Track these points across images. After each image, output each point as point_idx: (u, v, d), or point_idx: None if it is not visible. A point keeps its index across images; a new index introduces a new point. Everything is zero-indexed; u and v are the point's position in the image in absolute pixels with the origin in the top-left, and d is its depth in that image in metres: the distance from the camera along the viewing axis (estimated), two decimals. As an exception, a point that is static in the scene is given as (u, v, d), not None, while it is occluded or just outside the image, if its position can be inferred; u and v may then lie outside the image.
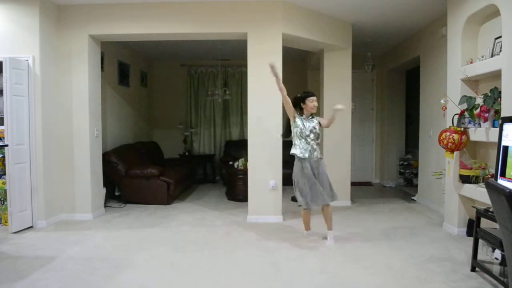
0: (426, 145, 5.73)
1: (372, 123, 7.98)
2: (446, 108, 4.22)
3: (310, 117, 3.95)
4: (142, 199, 5.73)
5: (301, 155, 3.85)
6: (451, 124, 4.04)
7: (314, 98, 3.94)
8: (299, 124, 3.88)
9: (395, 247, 3.76)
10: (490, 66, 3.55)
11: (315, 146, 3.88)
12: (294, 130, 3.92)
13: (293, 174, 3.94)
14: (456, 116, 3.98)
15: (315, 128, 3.89)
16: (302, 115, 3.94)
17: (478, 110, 3.64)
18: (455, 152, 4.01)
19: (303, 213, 4.08)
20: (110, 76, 6.30)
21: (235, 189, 6.02)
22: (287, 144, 7.34)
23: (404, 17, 5.24)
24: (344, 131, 5.66)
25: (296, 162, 3.92)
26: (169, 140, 8.39)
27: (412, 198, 6.13)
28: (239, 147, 7.60)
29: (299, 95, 4.00)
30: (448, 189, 4.32)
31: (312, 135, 3.87)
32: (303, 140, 3.86)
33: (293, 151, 3.92)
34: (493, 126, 3.48)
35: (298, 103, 3.96)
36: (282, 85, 3.92)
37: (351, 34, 5.60)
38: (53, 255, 3.51)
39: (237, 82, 8.37)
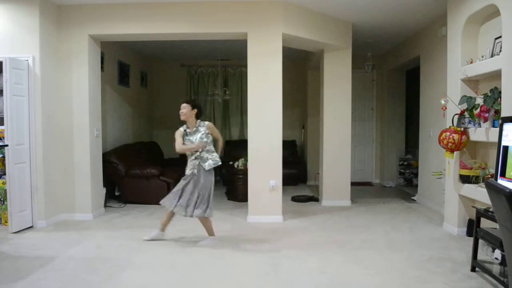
0: (426, 145, 5.73)
1: (372, 123, 7.98)
2: (446, 108, 4.22)
3: (194, 128, 3.80)
4: (142, 199, 5.72)
5: (188, 172, 3.79)
6: (451, 124, 4.04)
7: (182, 105, 3.78)
8: (186, 141, 3.78)
9: (395, 247, 3.76)
10: (490, 66, 3.55)
11: (204, 155, 3.78)
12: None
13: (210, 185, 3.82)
14: (456, 116, 3.98)
15: (202, 138, 3.76)
16: (186, 129, 3.81)
17: (478, 110, 3.64)
18: (455, 152, 4.01)
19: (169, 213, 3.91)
20: (110, 76, 6.30)
21: (235, 189, 6.02)
22: (287, 144, 7.39)
23: (404, 17, 5.24)
24: (344, 131, 5.66)
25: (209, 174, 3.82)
26: (169, 140, 8.30)
27: (412, 198, 6.13)
28: (239, 147, 7.59)
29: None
30: (448, 189, 4.32)
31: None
32: (192, 156, 3.77)
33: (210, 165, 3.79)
34: (493, 126, 3.48)
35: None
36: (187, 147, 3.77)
37: (351, 34, 5.59)
38: (53, 255, 3.51)
39: (237, 82, 8.37)
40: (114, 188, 6.00)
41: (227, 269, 3.26)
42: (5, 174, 4.29)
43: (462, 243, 3.86)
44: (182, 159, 7.74)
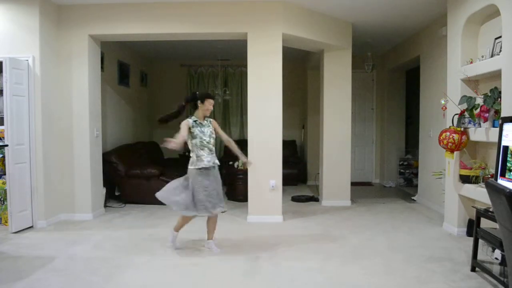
0: (426, 145, 5.73)
1: (372, 123, 7.98)
2: (446, 108, 4.22)
3: (205, 120, 3.61)
4: (142, 199, 5.71)
5: (209, 164, 3.49)
6: (451, 124, 4.04)
7: (213, 101, 3.62)
8: (197, 133, 3.48)
9: (395, 247, 3.76)
10: (490, 66, 3.55)
11: (213, 150, 3.62)
12: (192, 143, 3.50)
13: (194, 186, 3.49)
14: (456, 116, 3.98)
15: (212, 133, 3.60)
16: (196, 120, 3.53)
17: (478, 110, 3.64)
18: (455, 152, 4.02)
19: (184, 219, 3.70)
20: (110, 76, 6.30)
21: (235, 189, 6.02)
22: (287, 144, 7.39)
23: (404, 17, 5.24)
24: (344, 131, 5.66)
25: (197, 173, 3.47)
26: (169, 140, 8.36)
27: (412, 198, 6.13)
28: (239, 147, 7.59)
29: (197, 92, 3.68)
30: (448, 189, 4.32)
31: (212, 140, 3.58)
32: (206, 148, 3.52)
33: (199, 165, 3.45)
34: (493, 126, 3.49)
35: (194, 101, 3.58)
36: (181, 139, 3.39)
37: (351, 34, 5.60)
38: (53, 255, 3.51)
39: (237, 82, 8.37)
40: (114, 188, 5.99)
41: (227, 269, 3.26)
42: (5, 174, 4.29)
43: (462, 243, 3.86)
44: (182, 159, 7.78)
